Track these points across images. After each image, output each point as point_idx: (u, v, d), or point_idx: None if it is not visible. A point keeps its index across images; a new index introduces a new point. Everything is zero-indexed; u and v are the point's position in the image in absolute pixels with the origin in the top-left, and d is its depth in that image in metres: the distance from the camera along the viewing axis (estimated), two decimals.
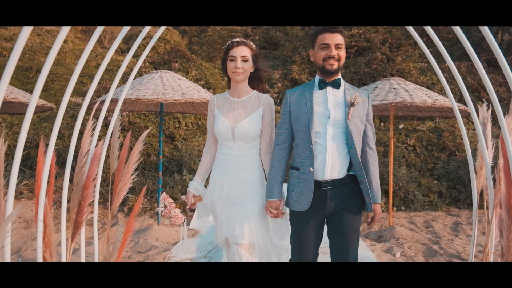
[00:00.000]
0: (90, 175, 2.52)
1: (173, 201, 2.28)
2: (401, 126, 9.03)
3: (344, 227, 2.17)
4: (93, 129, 2.63)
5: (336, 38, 2.14)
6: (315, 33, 2.23)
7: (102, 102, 5.16)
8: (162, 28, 2.91)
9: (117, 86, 7.36)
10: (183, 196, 2.35)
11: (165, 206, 2.26)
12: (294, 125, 2.24)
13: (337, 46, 2.15)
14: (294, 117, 2.22)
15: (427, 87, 9.34)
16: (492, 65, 10.49)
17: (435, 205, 7.22)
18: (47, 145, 2.19)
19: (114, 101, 4.64)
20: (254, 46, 2.38)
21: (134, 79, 4.82)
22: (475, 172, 2.93)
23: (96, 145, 2.67)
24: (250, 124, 2.28)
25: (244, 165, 2.31)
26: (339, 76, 2.23)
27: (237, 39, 2.35)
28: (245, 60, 2.29)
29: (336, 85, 2.20)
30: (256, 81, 2.42)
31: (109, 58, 2.39)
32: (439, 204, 7.24)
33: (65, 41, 14.42)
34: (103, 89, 9.45)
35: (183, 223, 2.22)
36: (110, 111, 6.86)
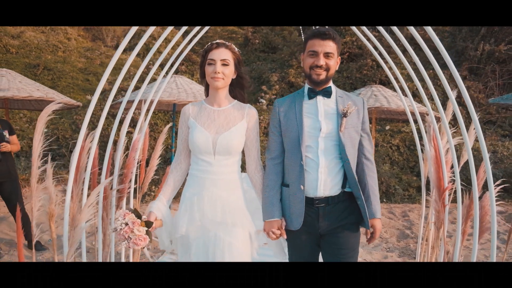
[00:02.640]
0: (131, 158, 3.37)
1: (136, 219, 1.84)
2: (387, 127, 9.88)
3: (339, 247, 1.97)
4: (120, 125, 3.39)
5: (327, 46, 1.92)
6: (306, 38, 2.02)
7: (127, 101, 6.00)
8: (183, 29, 3.31)
9: (119, 87, 8.13)
10: (144, 217, 1.94)
11: (126, 224, 1.80)
12: (284, 138, 2.03)
13: (327, 55, 1.93)
14: (284, 130, 2.02)
15: (413, 92, 10.18)
16: (473, 73, 11.33)
17: (414, 199, 8.02)
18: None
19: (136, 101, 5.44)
20: (236, 49, 2.09)
21: (149, 83, 5.58)
22: (423, 162, 3.79)
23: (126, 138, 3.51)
24: (235, 136, 2.01)
25: (225, 185, 2.02)
26: (330, 84, 2.02)
27: (217, 41, 2.07)
28: (225, 64, 2.00)
29: (327, 93, 1.99)
30: (238, 89, 2.15)
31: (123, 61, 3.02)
32: (417, 198, 8.02)
33: (68, 39, 14.71)
34: (109, 91, 10.23)
35: (143, 248, 1.81)
36: (127, 109, 7.67)
